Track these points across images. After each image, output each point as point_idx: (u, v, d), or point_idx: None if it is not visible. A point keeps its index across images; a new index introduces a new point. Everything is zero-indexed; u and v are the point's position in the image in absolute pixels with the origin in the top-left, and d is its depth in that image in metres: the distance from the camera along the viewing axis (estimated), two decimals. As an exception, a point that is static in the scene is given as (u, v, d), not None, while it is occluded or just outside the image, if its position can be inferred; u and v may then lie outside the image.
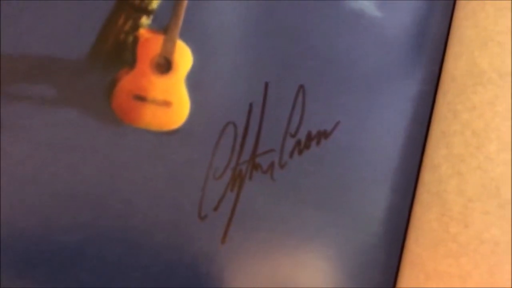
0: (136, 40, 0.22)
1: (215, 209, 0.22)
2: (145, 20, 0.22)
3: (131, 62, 0.22)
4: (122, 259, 0.22)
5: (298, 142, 0.23)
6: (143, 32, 0.22)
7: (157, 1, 0.22)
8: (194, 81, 0.22)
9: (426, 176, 0.25)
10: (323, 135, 0.24)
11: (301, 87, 0.24)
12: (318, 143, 0.24)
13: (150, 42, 0.22)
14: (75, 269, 0.21)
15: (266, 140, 0.23)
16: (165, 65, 0.22)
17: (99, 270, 0.21)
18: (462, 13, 0.28)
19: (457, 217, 0.23)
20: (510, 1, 0.27)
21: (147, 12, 0.22)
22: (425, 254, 0.23)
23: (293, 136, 0.23)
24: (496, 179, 0.23)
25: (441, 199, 0.24)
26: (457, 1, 0.29)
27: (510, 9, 0.27)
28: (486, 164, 0.23)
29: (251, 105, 0.23)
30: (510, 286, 0.21)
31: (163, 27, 0.22)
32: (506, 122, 0.24)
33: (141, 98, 0.21)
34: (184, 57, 0.22)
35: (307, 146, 0.23)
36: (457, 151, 0.24)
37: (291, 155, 0.23)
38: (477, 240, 0.22)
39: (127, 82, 0.22)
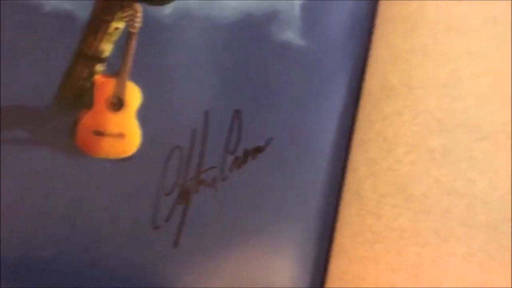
0: (92, 85, 0.26)
1: (167, 220, 0.27)
2: (99, 67, 0.26)
3: (89, 104, 0.26)
4: (91, 264, 0.26)
5: (237, 158, 0.28)
6: (98, 77, 0.26)
7: (109, 50, 0.26)
8: (144, 114, 0.26)
9: (348, 178, 0.29)
10: (258, 150, 0.28)
11: (237, 111, 0.28)
12: (254, 157, 0.28)
13: (104, 85, 0.26)
14: (50, 276, 0.25)
15: (209, 159, 0.27)
16: (118, 104, 0.26)
17: (71, 275, 0.25)
18: (378, 35, 0.32)
19: (372, 211, 0.27)
20: (418, 23, 0.31)
21: (101, 61, 0.26)
22: (347, 243, 0.27)
23: (232, 153, 0.28)
24: (403, 177, 0.27)
25: (359, 197, 0.27)
26: (375, 25, 0.33)
27: (417, 30, 0.31)
28: (395, 165, 0.27)
29: (194, 130, 0.27)
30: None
31: (115, 71, 0.26)
32: (413, 128, 0.28)
33: (100, 133, 0.26)
34: (134, 95, 0.26)
35: (245, 161, 0.28)
36: (372, 155, 0.28)
37: (231, 169, 0.27)
38: (388, 229, 0.26)
39: (87, 120, 0.26)
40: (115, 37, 0.26)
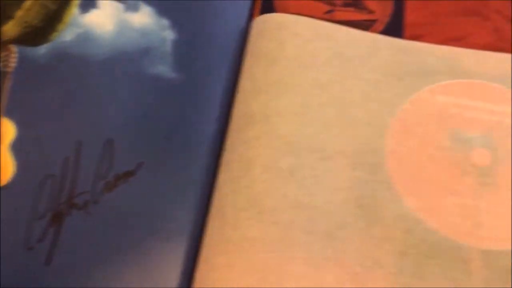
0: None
1: (39, 241, 0.29)
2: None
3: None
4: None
5: (108, 183, 0.30)
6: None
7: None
8: (18, 147, 0.29)
9: (214, 195, 0.32)
10: (129, 174, 0.31)
11: (109, 140, 0.31)
12: (125, 181, 0.31)
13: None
14: None
15: (81, 184, 0.30)
16: (-9, 138, 0.28)
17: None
18: (244, 68, 0.36)
19: (230, 223, 0.30)
20: (277, 58, 0.35)
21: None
22: (209, 252, 0.30)
23: (103, 178, 0.30)
24: (258, 194, 0.30)
25: (221, 212, 0.31)
26: (243, 60, 0.37)
27: (276, 65, 0.35)
28: (252, 183, 0.31)
29: (66, 159, 0.30)
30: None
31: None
32: (267, 150, 0.32)
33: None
34: (8, 130, 0.29)
35: (116, 185, 0.30)
36: (234, 174, 0.32)
37: (102, 193, 0.30)
38: (242, 239, 0.29)
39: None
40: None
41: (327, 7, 0.38)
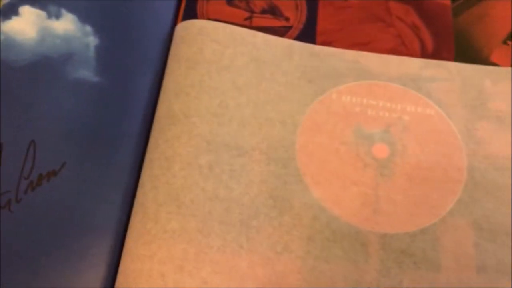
0: None
1: (-39, 239, 0.30)
2: None
3: None
4: None
5: (31, 182, 0.32)
6: None
7: None
8: None
9: (138, 192, 0.34)
10: (52, 174, 0.32)
11: (32, 141, 0.32)
12: (48, 180, 0.32)
13: None
14: None
15: (4, 184, 0.31)
16: None
17: None
18: (167, 71, 0.38)
19: (151, 217, 0.32)
20: (197, 62, 0.37)
21: None
22: (132, 245, 0.31)
23: (26, 178, 0.32)
24: (177, 189, 0.33)
25: (143, 207, 0.32)
26: (168, 62, 0.39)
27: (196, 68, 0.37)
28: (172, 179, 0.33)
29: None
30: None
31: None
32: (187, 148, 0.34)
33: None
34: None
35: (39, 184, 0.32)
36: (155, 172, 0.34)
37: (25, 192, 0.31)
38: (162, 231, 0.31)
39: None
40: None
41: (246, 14, 0.41)
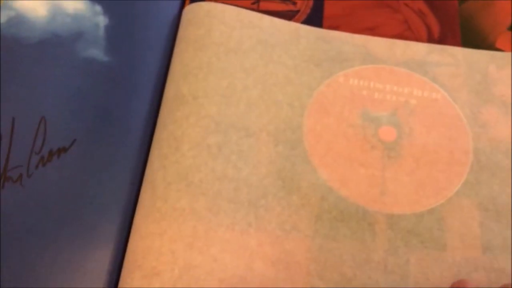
0: None
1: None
2: None
3: None
4: None
5: (42, 158, 0.32)
6: None
7: None
8: None
9: (146, 171, 0.34)
10: (63, 150, 0.32)
11: (43, 118, 0.32)
12: (58, 156, 0.32)
13: None
14: None
15: (15, 159, 0.31)
16: None
17: None
18: (175, 52, 0.38)
19: (160, 196, 0.32)
20: (205, 44, 0.37)
21: None
22: (141, 223, 0.32)
23: (37, 153, 0.32)
24: (186, 168, 0.33)
25: (152, 185, 0.33)
26: (175, 45, 0.39)
27: (204, 50, 0.37)
28: (181, 159, 0.33)
29: (0, 135, 0.31)
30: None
31: None
32: (196, 129, 0.34)
33: None
34: None
35: (49, 160, 0.32)
36: (164, 151, 0.34)
37: (36, 167, 0.31)
38: (171, 209, 0.32)
39: None
40: None
41: (253, -2, 0.41)
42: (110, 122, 0.33)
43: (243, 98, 0.35)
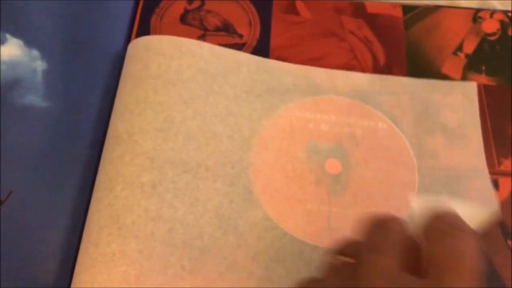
0: None
1: None
2: None
3: None
4: None
5: None
6: None
7: None
8: None
9: (87, 219, 0.33)
10: (-1, 203, 0.31)
11: None
12: None
13: None
14: None
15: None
16: None
17: None
18: (117, 91, 0.37)
19: (92, 241, 0.31)
20: (142, 78, 0.37)
21: None
22: (77, 275, 0.30)
23: None
24: (119, 210, 0.31)
25: (86, 231, 0.32)
26: (119, 81, 0.38)
27: (141, 85, 0.37)
28: (114, 201, 0.32)
29: None
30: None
31: None
32: (130, 168, 0.33)
33: None
34: None
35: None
36: (99, 195, 0.33)
37: None
38: (102, 254, 0.30)
39: None
40: None
41: (200, 32, 0.41)
42: (50, 169, 0.32)
43: (182, 131, 0.34)
